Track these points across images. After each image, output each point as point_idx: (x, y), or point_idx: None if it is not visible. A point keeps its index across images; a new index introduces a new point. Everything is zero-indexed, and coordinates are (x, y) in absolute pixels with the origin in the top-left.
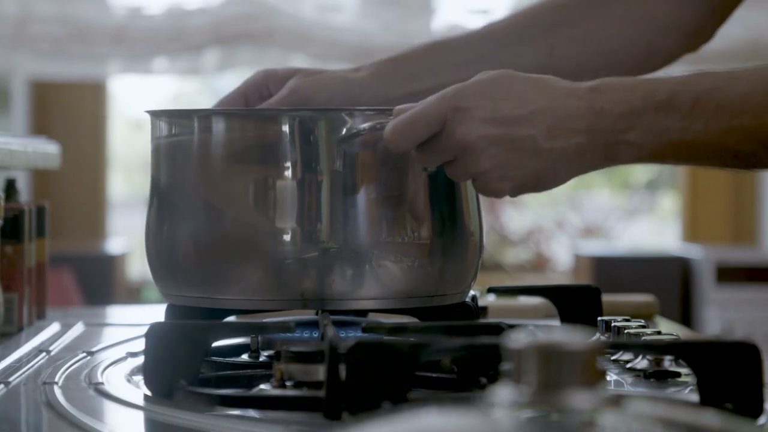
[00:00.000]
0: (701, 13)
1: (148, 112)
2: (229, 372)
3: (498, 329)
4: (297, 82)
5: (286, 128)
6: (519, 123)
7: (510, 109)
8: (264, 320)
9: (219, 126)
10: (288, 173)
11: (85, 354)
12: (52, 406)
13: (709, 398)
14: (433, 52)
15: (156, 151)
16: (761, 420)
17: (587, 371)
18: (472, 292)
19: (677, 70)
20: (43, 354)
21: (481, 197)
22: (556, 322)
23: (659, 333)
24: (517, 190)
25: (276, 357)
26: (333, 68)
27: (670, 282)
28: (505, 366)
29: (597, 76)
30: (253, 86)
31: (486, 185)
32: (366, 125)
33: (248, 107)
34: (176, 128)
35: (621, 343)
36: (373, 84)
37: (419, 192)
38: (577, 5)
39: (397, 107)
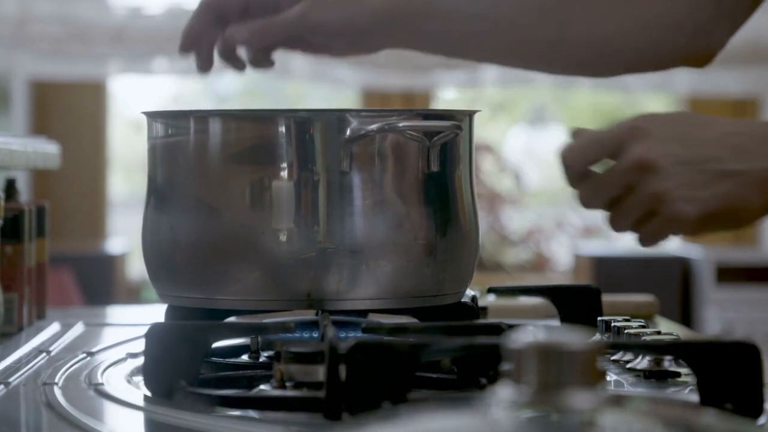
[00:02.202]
0: (711, 16)
1: (144, 113)
2: (229, 373)
3: (498, 329)
4: (307, 7)
5: (282, 129)
6: (704, 144)
7: (694, 131)
8: (264, 321)
9: (215, 127)
10: (284, 173)
11: (85, 354)
12: (52, 406)
13: (709, 398)
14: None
15: (152, 152)
16: (761, 420)
17: (587, 371)
18: (471, 292)
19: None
20: (43, 354)
21: (477, 198)
22: (556, 322)
23: (659, 333)
24: (704, 219)
25: (276, 357)
26: (333, 69)
27: (670, 282)
28: (505, 366)
29: (606, 62)
30: None
31: (670, 208)
32: (374, 126)
33: (247, 11)
34: (172, 129)
35: (621, 343)
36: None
37: (416, 192)
38: None
39: (576, 128)
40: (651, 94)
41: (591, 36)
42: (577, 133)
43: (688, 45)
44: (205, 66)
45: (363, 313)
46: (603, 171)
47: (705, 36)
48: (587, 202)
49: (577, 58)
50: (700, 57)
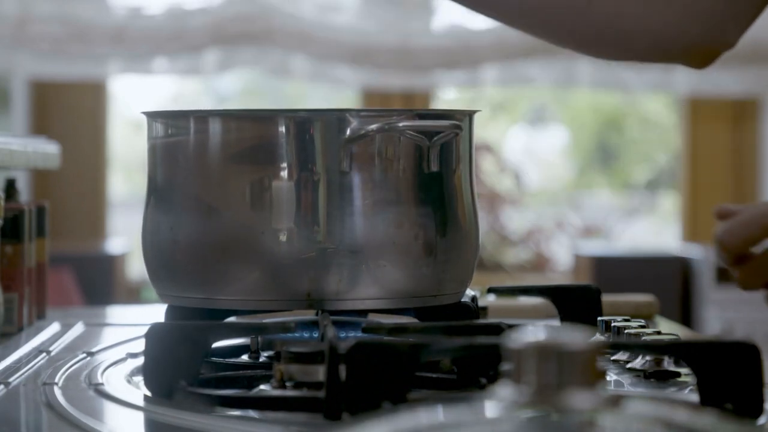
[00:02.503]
0: (723, 13)
1: (144, 113)
2: (229, 373)
3: (498, 329)
4: None
5: (282, 129)
6: None
7: None
8: (264, 321)
9: (215, 127)
10: (284, 173)
11: (85, 354)
12: (52, 406)
13: (709, 398)
14: None
15: (152, 152)
16: (761, 420)
17: (587, 371)
18: (471, 292)
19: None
20: (43, 354)
21: (477, 198)
22: (556, 322)
23: (659, 333)
24: None
25: (276, 357)
26: (333, 69)
27: (670, 282)
28: (505, 366)
29: (623, 42)
30: None
31: None
32: (374, 126)
33: None
34: (172, 129)
35: (621, 343)
36: None
37: (416, 193)
38: None
39: (720, 207)
40: (651, 94)
41: (614, 9)
42: (723, 213)
43: (701, 37)
44: None
45: (363, 313)
46: (763, 251)
47: (718, 32)
48: (747, 284)
49: (596, 31)
50: (705, 55)
